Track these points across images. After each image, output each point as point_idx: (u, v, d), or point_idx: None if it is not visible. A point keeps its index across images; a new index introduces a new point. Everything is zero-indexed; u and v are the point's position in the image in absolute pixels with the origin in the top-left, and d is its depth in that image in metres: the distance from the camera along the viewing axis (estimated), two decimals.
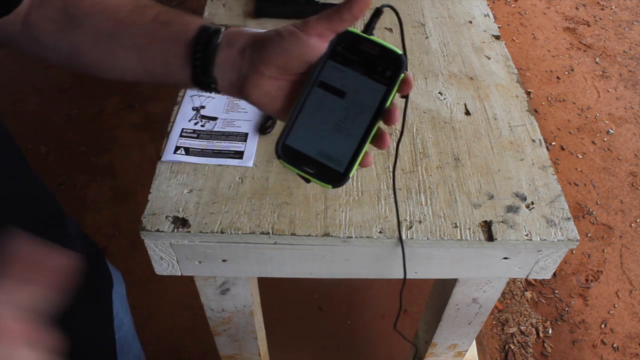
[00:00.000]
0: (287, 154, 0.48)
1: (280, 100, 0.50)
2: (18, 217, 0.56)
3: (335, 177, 0.47)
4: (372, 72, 0.47)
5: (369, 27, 0.49)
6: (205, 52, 0.50)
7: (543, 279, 1.75)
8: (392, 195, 0.79)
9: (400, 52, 0.47)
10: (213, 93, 0.53)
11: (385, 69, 0.47)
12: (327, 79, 0.47)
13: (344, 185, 0.70)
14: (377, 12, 0.49)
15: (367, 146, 0.47)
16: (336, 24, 0.46)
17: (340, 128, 0.47)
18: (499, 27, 1.20)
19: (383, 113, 0.46)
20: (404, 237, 0.74)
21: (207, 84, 0.52)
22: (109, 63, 0.55)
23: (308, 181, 0.48)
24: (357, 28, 0.48)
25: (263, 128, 0.87)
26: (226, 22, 1.09)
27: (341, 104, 0.47)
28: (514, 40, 2.77)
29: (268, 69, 0.48)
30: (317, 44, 0.47)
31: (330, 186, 0.47)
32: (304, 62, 0.48)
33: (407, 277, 0.82)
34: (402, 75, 0.47)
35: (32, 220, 0.59)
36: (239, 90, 0.51)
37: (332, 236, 0.73)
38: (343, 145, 0.47)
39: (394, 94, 0.47)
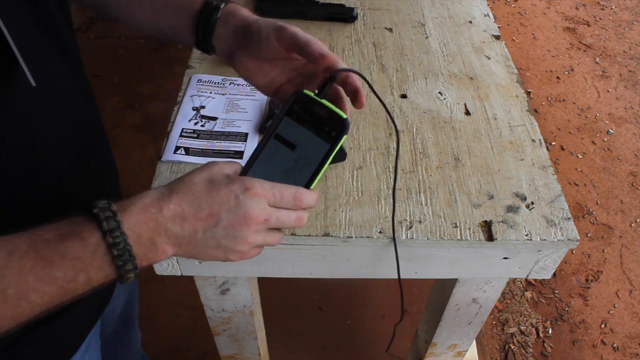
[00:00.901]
0: None
1: (259, 77, 0.60)
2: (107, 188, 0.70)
3: None
4: (320, 131, 0.54)
5: (322, 91, 0.55)
6: (206, 26, 0.59)
7: (543, 279, 1.75)
8: (392, 195, 0.79)
9: (345, 116, 0.54)
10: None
11: (331, 129, 0.53)
12: (283, 132, 0.54)
13: (344, 185, 0.76)
14: (331, 78, 0.55)
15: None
16: (302, 55, 0.55)
17: (288, 175, 0.53)
18: (499, 27, 1.20)
19: (326, 162, 0.53)
20: (403, 237, 0.74)
21: (207, 50, 0.62)
22: (129, 17, 0.64)
23: None
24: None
25: (263, 128, 0.87)
26: None
27: (292, 155, 0.53)
28: (514, 40, 2.77)
29: (247, 53, 0.58)
30: (280, 52, 0.56)
31: None
32: (271, 57, 0.58)
33: (407, 277, 0.82)
34: (344, 136, 0.53)
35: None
36: (230, 61, 0.61)
37: (332, 236, 0.73)
38: None
39: (337, 151, 0.53)
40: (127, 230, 0.44)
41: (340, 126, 0.53)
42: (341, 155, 0.83)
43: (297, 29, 0.56)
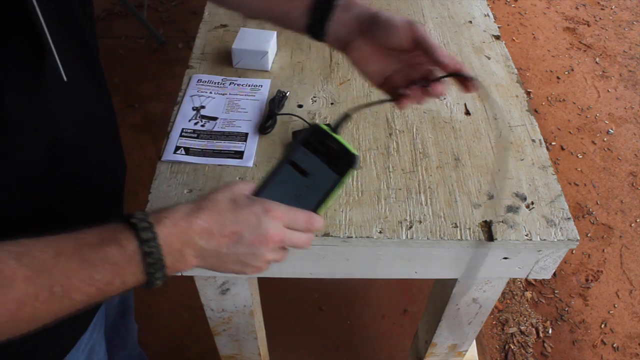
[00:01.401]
0: None
1: (372, 64, 0.64)
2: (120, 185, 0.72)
3: None
4: (331, 162, 0.59)
5: (338, 127, 0.61)
6: (325, 11, 0.63)
7: (543, 279, 1.75)
8: (392, 195, 0.79)
9: (356, 153, 0.59)
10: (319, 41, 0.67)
11: (341, 162, 0.59)
12: (297, 160, 0.59)
13: (344, 185, 0.75)
14: (345, 116, 0.62)
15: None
16: (426, 54, 0.60)
17: (298, 199, 0.58)
18: (499, 27, 1.20)
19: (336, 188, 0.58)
20: (403, 237, 0.74)
21: (318, 35, 0.65)
22: (244, 3, 0.70)
23: None
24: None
25: (263, 128, 0.87)
26: (226, 22, 1.09)
27: (304, 181, 0.59)
28: (514, 40, 2.77)
29: (369, 40, 0.62)
30: (405, 43, 0.61)
31: None
32: (394, 47, 0.61)
33: (407, 277, 0.82)
34: (353, 170, 0.59)
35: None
36: (343, 46, 0.65)
37: (332, 236, 0.73)
38: None
39: (344, 182, 0.59)
40: (160, 241, 0.48)
41: (350, 161, 0.59)
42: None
43: (425, 29, 0.61)
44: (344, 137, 0.63)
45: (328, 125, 0.60)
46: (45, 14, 0.48)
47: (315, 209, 0.58)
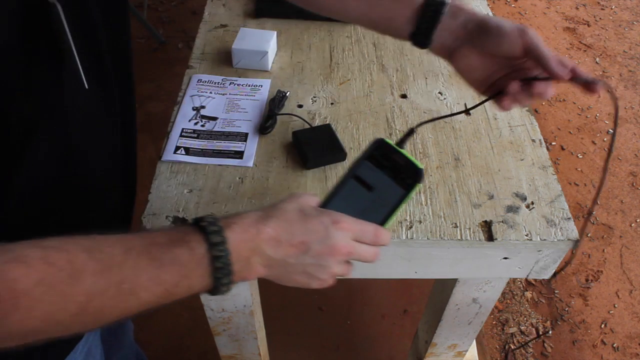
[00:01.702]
0: None
1: (478, 72, 0.63)
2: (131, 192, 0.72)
3: None
4: (397, 177, 0.58)
5: (402, 142, 0.61)
6: (433, 19, 0.61)
7: (543, 279, 1.75)
8: None
9: (421, 166, 0.58)
10: (423, 49, 0.65)
11: (407, 177, 0.58)
12: (362, 174, 0.59)
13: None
14: (411, 131, 0.62)
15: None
16: (538, 63, 0.58)
17: (363, 213, 0.56)
18: None
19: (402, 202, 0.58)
20: (403, 237, 0.74)
21: (423, 42, 0.63)
22: (339, 8, 0.67)
23: None
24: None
25: (263, 128, 0.87)
26: (226, 22, 1.09)
27: (368, 195, 0.58)
28: None
29: (477, 47, 0.61)
30: (516, 50, 0.59)
31: None
32: (504, 53, 0.60)
33: (407, 277, 0.82)
34: (419, 185, 0.58)
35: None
36: (449, 54, 0.63)
37: None
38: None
39: (410, 197, 0.58)
40: (229, 246, 0.48)
41: (416, 175, 0.58)
42: (341, 156, 0.83)
43: (537, 34, 0.58)
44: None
45: (386, 140, 0.60)
46: (70, 23, 0.48)
47: (382, 223, 0.57)
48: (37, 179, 0.53)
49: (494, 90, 0.63)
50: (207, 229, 0.48)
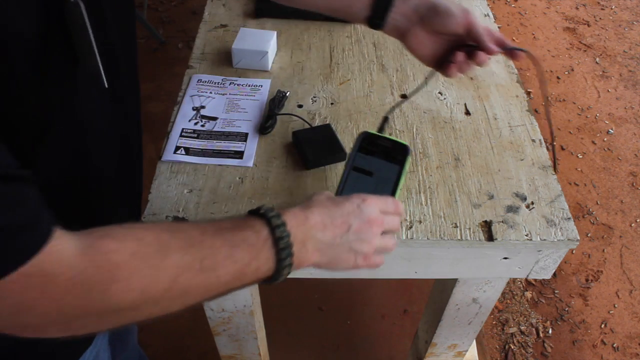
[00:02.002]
0: None
1: (428, 49, 0.72)
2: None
3: None
4: (389, 157, 0.68)
5: (382, 129, 0.72)
6: (387, 4, 0.70)
7: (543, 279, 1.75)
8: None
9: (406, 142, 0.68)
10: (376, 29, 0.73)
11: (397, 155, 0.68)
12: (359, 164, 0.68)
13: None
14: (385, 119, 0.73)
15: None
16: (473, 38, 0.68)
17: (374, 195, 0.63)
18: (499, 27, 1.20)
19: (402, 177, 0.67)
20: (403, 237, 0.74)
21: (378, 24, 0.71)
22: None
23: None
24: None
25: (263, 128, 0.87)
26: (226, 22, 1.09)
27: (371, 180, 0.67)
28: (514, 40, 2.77)
29: (426, 27, 0.69)
30: (459, 28, 0.68)
31: None
32: (449, 31, 0.69)
33: (407, 277, 0.82)
34: (409, 157, 0.68)
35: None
36: (401, 34, 0.72)
37: None
38: None
39: (406, 169, 0.68)
40: (289, 229, 0.53)
41: (404, 151, 0.68)
42: (341, 156, 0.83)
43: (476, 17, 0.69)
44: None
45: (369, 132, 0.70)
46: (93, 24, 0.49)
47: (392, 195, 0.65)
48: (49, 177, 0.54)
49: (440, 62, 0.73)
50: (267, 214, 0.53)
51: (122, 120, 0.65)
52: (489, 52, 0.68)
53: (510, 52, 0.69)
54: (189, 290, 0.47)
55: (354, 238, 0.57)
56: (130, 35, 0.65)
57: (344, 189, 0.65)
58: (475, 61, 0.70)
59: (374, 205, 0.59)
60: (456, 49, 0.70)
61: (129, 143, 0.69)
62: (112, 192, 0.67)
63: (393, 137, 0.69)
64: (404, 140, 0.71)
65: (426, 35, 0.71)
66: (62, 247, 0.42)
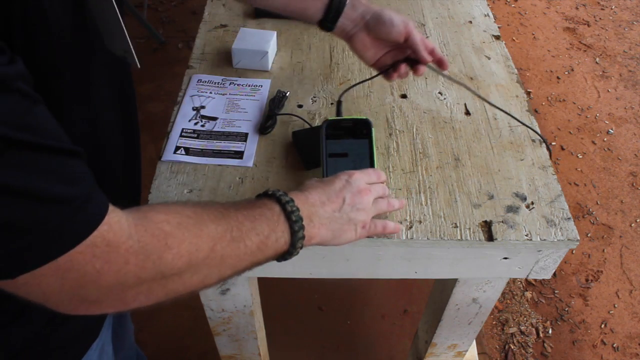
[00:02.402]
0: None
1: (370, 52, 0.81)
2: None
3: None
4: (355, 134, 0.76)
5: (339, 112, 0.81)
6: (338, 10, 0.78)
7: (543, 279, 1.75)
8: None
9: (365, 117, 0.76)
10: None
11: (362, 130, 0.76)
12: (332, 150, 0.74)
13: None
14: (339, 102, 0.82)
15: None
16: (410, 47, 0.79)
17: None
18: (499, 27, 1.20)
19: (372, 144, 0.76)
20: (403, 237, 0.74)
21: (329, 28, 0.80)
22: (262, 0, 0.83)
23: None
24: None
25: (263, 128, 0.87)
26: (226, 22, 1.09)
27: (348, 159, 0.74)
28: (514, 40, 2.77)
29: (373, 34, 0.78)
30: (399, 37, 0.77)
31: None
32: (390, 39, 0.78)
33: (407, 277, 0.82)
34: (373, 129, 0.76)
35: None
36: (348, 38, 0.80)
37: None
38: None
39: (374, 140, 0.76)
40: (297, 204, 0.58)
41: (367, 124, 0.76)
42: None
43: (415, 29, 0.78)
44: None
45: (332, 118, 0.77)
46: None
47: (372, 167, 0.72)
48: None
49: (380, 63, 0.82)
50: (275, 194, 0.58)
51: (127, 108, 0.70)
52: (424, 61, 0.78)
53: (439, 60, 0.80)
54: (224, 258, 0.52)
55: (349, 209, 0.63)
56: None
57: (328, 176, 0.70)
58: (415, 73, 0.80)
59: (360, 178, 0.66)
60: (400, 62, 0.80)
61: (132, 133, 0.73)
62: (117, 184, 0.69)
63: (353, 116, 0.76)
64: (364, 116, 0.79)
65: (370, 40, 0.79)
66: (120, 218, 0.45)
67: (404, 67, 0.80)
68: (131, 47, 0.56)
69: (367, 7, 0.78)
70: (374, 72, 0.84)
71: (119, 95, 0.67)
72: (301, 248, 0.59)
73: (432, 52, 0.79)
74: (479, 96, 0.91)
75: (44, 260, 0.40)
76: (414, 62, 0.79)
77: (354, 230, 0.64)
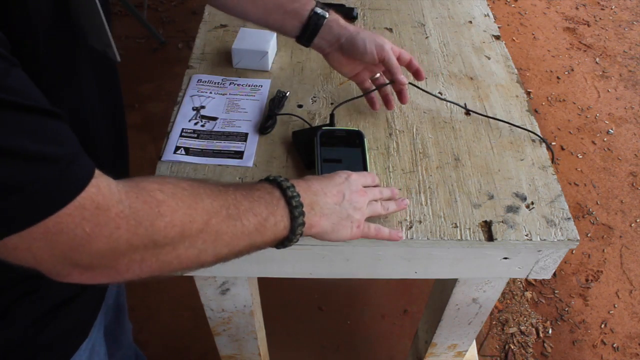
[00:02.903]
0: None
1: (346, 69, 0.85)
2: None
3: None
4: (349, 143, 0.81)
5: (332, 123, 0.86)
6: (314, 30, 0.81)
7: (543, 279, 1.75)
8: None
9: (357, 128, 0.84)
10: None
11: (355, 140, 0.82)
12: (326, 156, 0.78)
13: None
14: (332, 115, 0.87)
15: None
16: (386, 67, 0.83)
17: None
18: (499, 27, 1.20)
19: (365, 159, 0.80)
20: (403, 237, 0.74)
21: (305, 44, 0.83)
22: (239, 11, 0.84)
23: None
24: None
25: (263, 128, 0.87)
26: (226, 22, 1.09)
27: (342, 166, 0.76)
28: (514, 40, 2.77)
29: (345, 54, 0.82)
30: (373, 60, 0.82)
31: None
32: (364, 61, 0.83)
33: (407, 277, 0.82)
34: (365, 139, 0.82)
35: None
36: (324, 54, 0.85)
37: None
38: None
39: (367, 150, 0.82)
40: (298, 190, 0.58)
41: (359, 135, 0.82)
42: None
43: (390, 51, 0.81)
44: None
45: (326, 125, 0.84)
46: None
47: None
48: None
49: (357, 77, 0.87)
50: (277, 179, 0.59)
51: (111, 99, 0.69)
52: (400, 83, 0.82)
53: (416, 71, 0.86)
54: (219, 234, 0.51)
55: (348, 205, 0.64)
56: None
57: None
58: (401, 99, 0.86)
59: (357, 179, 0.67)
60: (382, 86, 0.86)
61: (118, 126, 0.72)
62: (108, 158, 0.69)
63: (346, 127, 0.84)
64: (354, 127, 0.86)
65: (345, 59, 0.83)
66: (109, 183, 0.45)
67: (390, 103, 0.88)
68: (112, 41, 0.56)
69: (344, 30, 0.81)
70: None
71: (106, 89, 0.67)
72: (301, 235, 0.59)
73: (409, 64, 0.84)
74: (457, 104, 0.93)
75: (31, 222, 0.39)
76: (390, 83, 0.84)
77: (350, 228, 0.64)
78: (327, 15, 0.81)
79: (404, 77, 0.83)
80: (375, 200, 0.69)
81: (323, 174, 0.67)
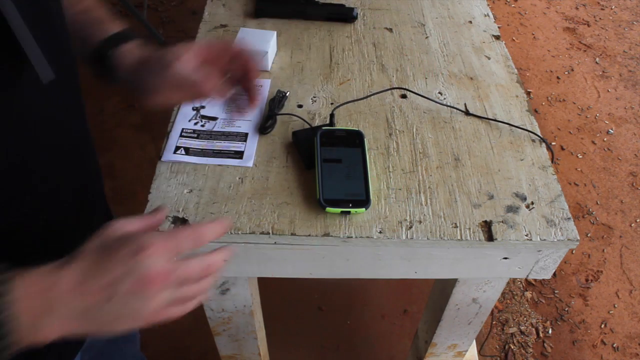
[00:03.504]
0: (328, 203, 0.74)
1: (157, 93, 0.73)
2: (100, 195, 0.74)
3: (363, 202, 0.75)
4: (349, 144, 0.81)
5: (332, 123, 0.86)
6: (102, 62, 0.70)
7: (543, 279, 1.76)
8: (392, 196, 0.79)
9: (357, 129, 0.84)
10: None
11: (355, 139, 0.82)
12: (326, 156, 0.79)
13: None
14: (332, 115, 0.88)
15: (370, 179, 0.78)
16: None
17: (349, 177, 0.77)
18: (499, 27, 1.20)
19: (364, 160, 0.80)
20: (403, 237, 0.74)
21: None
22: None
23: (348, 213, 0.74)
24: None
25: (263, 128, 0.87)
26: (226, 22, 1.09)
27: (342, 165, 0.78)
28: (514, 40, 2.77)
29: (148, 84, 0.72)
30: (185, 71, 0.75)
31: (364, 209, 0.74)
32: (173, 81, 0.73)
33: (407, 277, 0.82)
34: (365, 139, 0.82)
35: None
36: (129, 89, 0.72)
37: (332, 236, 0.73)
38: (356, 185, 0.76)
39: (368, 149, 0.82)
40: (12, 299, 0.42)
41: (359, 135, 0.83)
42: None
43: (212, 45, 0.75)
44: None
45: (326, 125, 0.83)
46: (23, 14, 0.47)
47: (364, 176, 0.77)
48: None
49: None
50: None
51: (72, 113, 0.63)
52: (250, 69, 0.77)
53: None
54: None
55: (125, 301, 0.45)
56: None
57: (325, 180, 0.75)
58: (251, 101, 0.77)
59: (157, 254, 0.45)
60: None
61: (71, 135, 0.64)
62: (58, 190, 0.61)
63: (346, 127, 0.83)
64: (353, 127, 0.86)
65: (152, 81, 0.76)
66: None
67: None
68: (46, 64, 0.50)
69: (136, 57, 0.76)
70: (373, 72, 0.85)
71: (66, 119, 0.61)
72: (8, 357, 0.42)
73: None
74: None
75: None
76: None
77: (137, 321, 0.46)
78: (112, 51, 0.71)
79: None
80: (189, 279, 0.49)
81: (108, 247, 0.46)
